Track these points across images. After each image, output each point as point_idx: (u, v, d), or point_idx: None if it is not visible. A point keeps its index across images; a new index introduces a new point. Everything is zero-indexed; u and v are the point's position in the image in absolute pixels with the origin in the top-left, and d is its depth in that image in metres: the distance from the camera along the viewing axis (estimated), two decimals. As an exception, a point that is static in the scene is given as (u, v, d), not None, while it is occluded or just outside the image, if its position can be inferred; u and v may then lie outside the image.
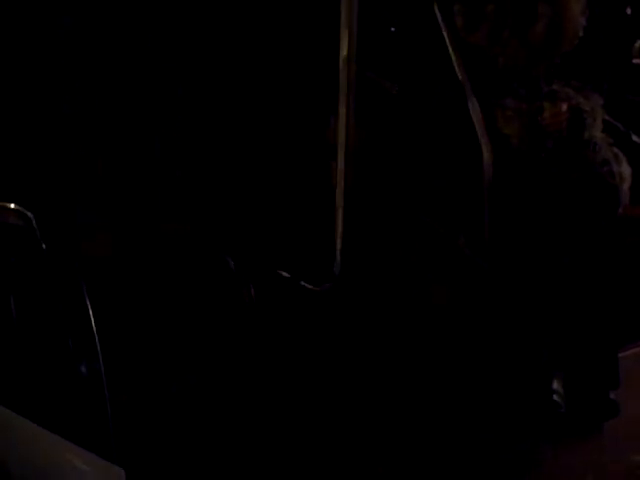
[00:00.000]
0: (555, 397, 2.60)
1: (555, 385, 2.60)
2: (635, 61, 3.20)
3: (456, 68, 2.50)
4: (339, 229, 2.65)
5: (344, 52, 2.40)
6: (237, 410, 2.79)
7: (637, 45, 3.22)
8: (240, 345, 2.82)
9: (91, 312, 2.07)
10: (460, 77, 2.48)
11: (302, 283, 2.69)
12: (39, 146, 2.44)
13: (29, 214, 1.98)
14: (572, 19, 2.49)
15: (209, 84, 2.67)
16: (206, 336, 2.90)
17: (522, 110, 2.49)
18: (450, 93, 2.48)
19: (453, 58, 2.50)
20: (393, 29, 2.68)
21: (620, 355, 2.73)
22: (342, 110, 2.47)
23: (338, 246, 2.65)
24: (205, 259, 2.80)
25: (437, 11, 2.58)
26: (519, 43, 2.48)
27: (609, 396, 2.61)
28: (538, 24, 2.47)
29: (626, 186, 2.48)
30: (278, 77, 2.78)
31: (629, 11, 3.12)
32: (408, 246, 2.73)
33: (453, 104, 2.47)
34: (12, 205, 1.98)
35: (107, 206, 2.70)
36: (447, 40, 2.53)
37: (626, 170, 2.49)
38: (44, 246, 1.96)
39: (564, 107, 2.48)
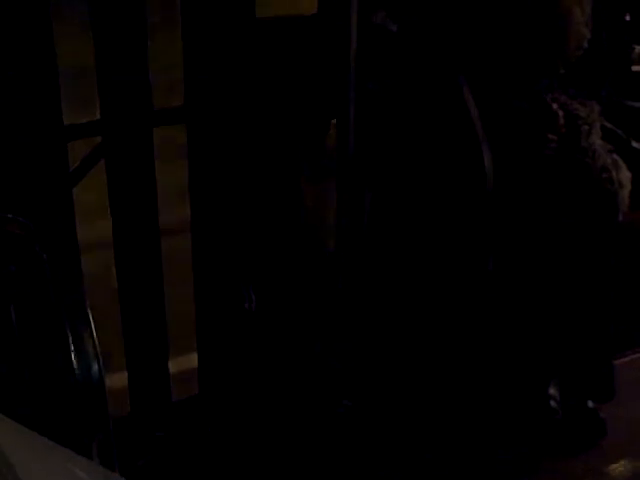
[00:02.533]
0: (551, 403, 2.60)
1: (551, 391, 2.61)
2: (634, 68, 3.20)
3: (456, 72, 2.50)
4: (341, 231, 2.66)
5: (344, 55, 2.41)
6: (236, 415, 2.79)
7: (637, 51, 3.22)
8: (241, 348, 2.82)
9: (92, 321, 2.07)
10: (459, 82, 2.48)
11: None
12: (38, 155, 2.44)
13: (29, 223, 1.98)
14: (575, 32, 2.49)
15: (209, 83, 2.68)
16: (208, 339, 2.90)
17: (520, 117, 2.49)
18: (449, 97, 2.48)
19: (453, 63, 2.50)
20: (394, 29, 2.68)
21: (620, 361, 2.73)
22: (342, 113, 2.47)
23: (340, 249, 2.65)
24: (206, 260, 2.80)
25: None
26: (521, 58, 2.48)
27: (597, 414, 2.61)
28: (541, 39, 2.47)
29: (625, 192, 2.48)
30: (279, 81, 2.79)
31: (628, 17, 3.12)
32: (409, 249, 2.72)
33: (453, 108, 2.47)
34: (12, 214, 1.98)
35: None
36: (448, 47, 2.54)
37: (625, 176, 2.48)
38: (44, 255, 1.96)
39: (560, 113, 2.48)
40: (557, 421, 2.60)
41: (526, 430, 2.59)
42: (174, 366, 2.85)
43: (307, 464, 2.63)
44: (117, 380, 2.66)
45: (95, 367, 1.99)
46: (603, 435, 2.60)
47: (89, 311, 2.07)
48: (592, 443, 2.59)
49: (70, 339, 2.03)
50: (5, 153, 2.37)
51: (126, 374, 2.75)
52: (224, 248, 2.78)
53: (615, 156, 2.51)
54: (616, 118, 2.79)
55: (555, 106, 2.49)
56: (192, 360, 2.91)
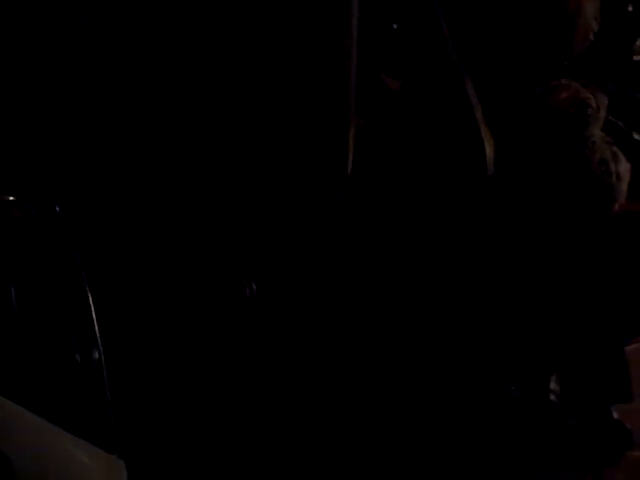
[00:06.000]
0: (551, 397, 2.58)
1: (552, 385, 2.58)
2: (636, 58, 3.20)
3: (455, 60, 2.49)
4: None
5: (344, 49, 2.41)
6: (238, 403, 2.81)
7: (638, 42, 3.23)
8: (241, 340, 2.83)
9: (92, 304, 2.09)
10: (460, 71, 2.48)
11: None
12: (39, 138, 2.45)
13: (30, 206, 1.99)
14: (584, 23, 2.48)
15: (208, 82, 2.68)
16: (208, 330, 2.92)
17: (523, 102, 2.49)
18: (450, 86, 2.48)
19: (453, 53, 2.50)
20: (395, 25, 2.68)
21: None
22: (342, 108, 2.47)
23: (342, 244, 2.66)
24: (206, 255, 2.81)
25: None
26: (527, 50, 2.48)
27: (623, 425, 2.47)
28: (548, 30, 2.47)
29: (624, 184, 2.47)
30: (278, 77, 2.79)
31: (630, 8, 3.12)
32: (409, 245, 2.73)
33: (453, 97, 2.47)
34: (12, 197, 1.99)
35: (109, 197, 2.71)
36: (448, 36, 2.53)
37: (625, 168, 2.48)
38: (45, 238, 1.98)
39: (563, 96, 2.47)
40: (557, 415, 2.56)
41: (525, 429, 2.56)
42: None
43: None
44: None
45: (94, 350, 2.01)
46: (629, 448, 2.44)
47: (89, 293, 2.09)
48: (618, 456, 2.45)
49: (69, 322, 2.04)
50: (6, 135, 2.38)
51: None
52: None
53: (615, 148, 2.51)
54: (618, 109, 2.80)
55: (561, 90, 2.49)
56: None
